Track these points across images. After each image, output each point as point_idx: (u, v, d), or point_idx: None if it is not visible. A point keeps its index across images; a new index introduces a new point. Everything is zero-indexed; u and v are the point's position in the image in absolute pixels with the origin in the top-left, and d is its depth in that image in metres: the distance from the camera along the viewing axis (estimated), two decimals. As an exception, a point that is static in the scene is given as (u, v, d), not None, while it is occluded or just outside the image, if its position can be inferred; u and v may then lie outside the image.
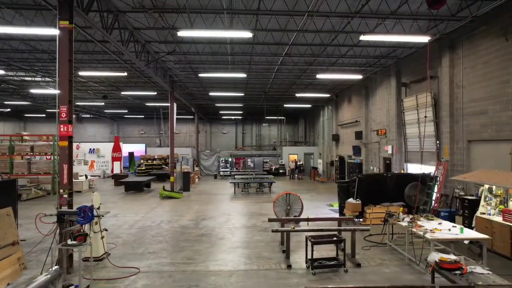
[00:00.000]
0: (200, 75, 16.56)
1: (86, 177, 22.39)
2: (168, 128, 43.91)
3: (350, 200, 12.05)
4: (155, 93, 22.61)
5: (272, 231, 8.00)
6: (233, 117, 41.01)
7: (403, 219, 8.64)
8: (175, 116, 20.30)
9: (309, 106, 29.57)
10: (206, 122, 43.28)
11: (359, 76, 17.46)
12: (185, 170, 21.22)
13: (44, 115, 39.38)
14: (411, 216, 8.88)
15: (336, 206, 15.38)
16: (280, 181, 26.99)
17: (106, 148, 30.45)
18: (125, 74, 16.40)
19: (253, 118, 42.70)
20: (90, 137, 42.71)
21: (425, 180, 12.23)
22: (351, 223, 11.09)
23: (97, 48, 14.10)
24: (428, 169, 13.42)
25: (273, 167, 31.58)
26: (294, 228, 7.94)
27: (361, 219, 12.24)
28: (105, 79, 20.10)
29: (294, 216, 12.33)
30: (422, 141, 14.13)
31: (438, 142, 13.03)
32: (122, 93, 22.93)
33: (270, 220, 8.73)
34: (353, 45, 13.75)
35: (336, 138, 25.82)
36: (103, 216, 8.50)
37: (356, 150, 21.61)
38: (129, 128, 43.73)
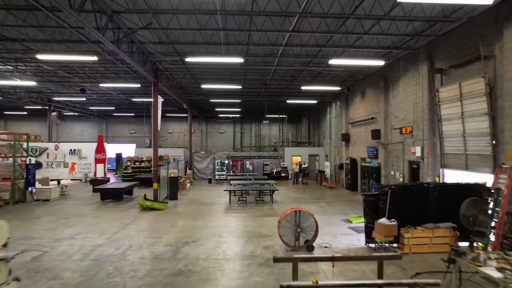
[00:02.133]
0: (187, 59, 13.46)
1: (59, 182, 19.31)
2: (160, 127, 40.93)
3: (383, 220, 8.94)
4: (139, 85, 19.52)
5: (281, 287, 4.89)
6: (230, 116, 37.93)
7: (484, 261, 5.55)
8: (159, 112, 17.22)
9: (315, 102, 26.51)
10: (201, 121, 40.17)
11: (380, 62, 14.38)
12: (172, 175, 18.11)
13: (25, 113, 36.30)
14: (490, 253, 5.80)
15: (355, 222, 12.31)
16: (283, 186, 23.87)
17: (89, 149, 27.31)
18: (95, 58, 13.28)
19: (252, 117, 39.59)
20: (77, 136, 39.64)
21: (480, 193, 9.15)
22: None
23: (52, 22, 10.99)
24: (479, 177, 10.32)
25: (275, 170, 28.49)
26: (316, 283, 4.85)
27: (395, 244, 9.17)
28: (75, 66, 16.98)
29: (306, 241, 9.24)
30: (468, 141, 11.07)
31: (494, 141, 9.93)
32: (101, 85, 19.84)
33: (276, 260, 5.68)
34: (381, 16, 10.64)
35: (346, 138, 22.74)
36: (9, 259, 5.36)
37: (372, 152, 18.52)
38: (119, 127, 40.64)
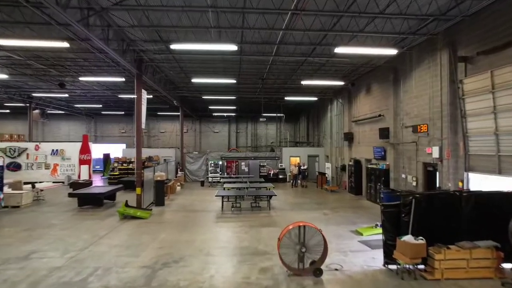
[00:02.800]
0: (173, 46, 11.68)
1: (33, 186, 17.43)
2: (149, 126, 39.08)
3: (408, 238, 7.22)
4: (123, 79, 17.69)
5: None
6: (225, 114, 36.16)
7: None
8: (144, 108, 15.44)
9: (315, 99, 24.80)
10: (195, 120, 38.40)
11: (392, 51, 12.67)
12: (159, 178, 16.31)
13: (8, 111, 34.30)
14: None
15: (367, 235, 10.62)
16: (281, 189, 22.14)
17: (73, 149, 25.45)
18: (66, 45, 11.44)
19: (248, 115, 37.87)
20: (64, 136, 37.69)
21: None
22: None
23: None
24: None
25: (272, 172, 26.75)
26: None
27: (422, 266, 7.45)
28: (49, 56, 15.15)
29: (312, 263, 7.51)
30: (502, 140, 9.41)
31: (538, 141, 8.27)
32: (80, 78, 17.98)
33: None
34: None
35: (349, 137, 21.04)
36: None
37: (379, 153, 16.83)
38: (108, 126, 38.75)
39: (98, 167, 31.63)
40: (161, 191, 16.28)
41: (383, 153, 16.58)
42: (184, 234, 10.89)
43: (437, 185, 12.36)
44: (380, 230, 10.80)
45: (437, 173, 12.49)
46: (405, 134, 14.74)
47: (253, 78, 19.58)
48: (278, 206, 15.77)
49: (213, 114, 35.62)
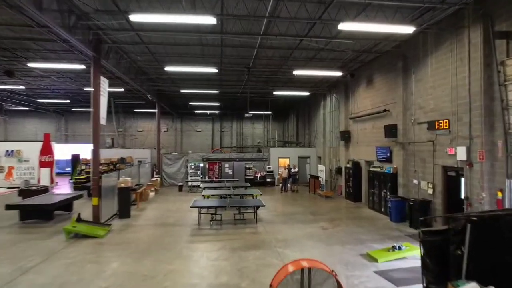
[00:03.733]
0: (132, 17, 8.99)
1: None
2: (126, 124, 35.94)
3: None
4: (83, 66, 14.78)
5: None
6: (208, 112, 33.37)
7: None
8: (103, 100, 12.64)
9: (306, 94, 22.32)
10: (176, 118, 35.49)
11: (408, 29, 10.21)
12: (123, 185, 13.52)
13: (-36, 107, 30.68)
14: None
15: (383, 261, 8.22)
16: (269, 195, 19.60)
17: (32, 150, 22.27)
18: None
19: (233, 113, 35.23)
20: (30, 135, 34.08)
21: None
22: None
23: None
24: None
25: (258, 175, 24.18)
26: None
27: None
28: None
29: (323, 323, 4.96)
30: None
31: None
32: (29, 64, 14.96)
33: None
34: None
35: (346, 136, 18.66)
36: None
37: (384, 154, 14.48)
38: (81, 124, 35.33)
39: (69, 169, 28.49)
40: (126, 201, 13.50)
41: (388, 154, 14.21)
42: (144, 263, 8.19)
43: (463, 195, 10.03)
44: (399, 254, 8.40)
45: (463, 179, 10.16)
46: (417, 132, 12.39)
47: (238, 68, 16.95)
48: (266, 218, 13.20)
49: (195, 111, 32.78)
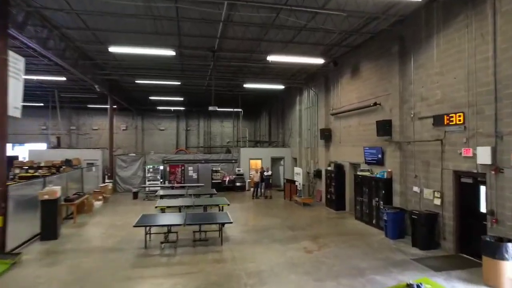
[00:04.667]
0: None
1: None
2: (79, 121, 31.81)
3: None
4: None
5: None
6: (172, 108, 30.17)
7: None
8: (13, 82, 9.41)
9: (281, 88, 19.83)
10: (136, 115, 32.02)
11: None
12: (47, 197, 10.36)
13: None
14: None
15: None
16: (239, 201, 16.98)
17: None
18: None
19: (199, 110, 32.24)
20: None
21: None
22: None
23: None
24: None
25: (227, 179, 21.45)
26: None
27: None
28: None
29: None
30: None
31: None
32: None
33: None
34: None
35: (326, 135, 16.38)
36: None
37: (374, 155, 12.25)
38: (27, 121, 30.88)
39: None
40: (52, 217, 10.33)
41: (380, 155, 11.99)
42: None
43: (485, 208, 7.86)
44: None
45: (483, 188, 8.00)
46: (419, 128, 10.19)
47: (201, 53, 14.18)
48: (234, 236, 10.52)
49: (157, 108, 29.49)
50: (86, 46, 13.75)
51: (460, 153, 8.51)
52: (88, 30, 11.79)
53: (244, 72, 18.31)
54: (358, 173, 13.02)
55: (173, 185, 18.64)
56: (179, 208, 12.24)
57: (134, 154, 23.35)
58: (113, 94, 21.08)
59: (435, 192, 9.41)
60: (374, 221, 11.74)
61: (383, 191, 11.32)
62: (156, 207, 11.86)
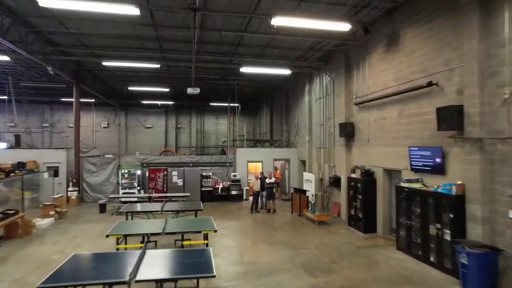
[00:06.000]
0: None
1: None
2: (53, 118, 27.46)
3: None
4: None
5: None
6: (159, 102, 26.21)
7: None
8: None
9: (286, 74, 15.92)
10: (119, 111, 28.12)
11: None
12: None
13: None
14: None
15: None
16: (232, 217, 13.12)
17: None
18: None
19: (191, 105, 28.44)
20: None
21: None
22: None
23: None
24: None
25: (220, 185, 17.51)
26: None
27: None
28: None
29: None
30: None
31: None
32: None
33: None
34: None
35: (348, 131, 12.47)
36: None
37: (429, 159, 8.34)
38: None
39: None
40: None
41: (438, 159, 8.07)
42: None
43: None
44: None
45: None
46: (521, 116, 6.28)
47: (178, 13, 10.24)
48: (223, 279, 6.61)
49: (142, 102, 25.51)
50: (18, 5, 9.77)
51: None
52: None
53: (239, 53, 14.44)
54: (403, 184, 9.06)
55: (151, 195, 14.67)
56: (144, 238, 8.34)
57: (111, 156, 19.33)
58: (81, 83, 17.16)
59: None
60: (433, 258, 7.83)
61: (451, 215, 7.38)
62: (107, 235, 7.89)
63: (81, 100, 24.49)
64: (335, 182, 13.52)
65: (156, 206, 11.20)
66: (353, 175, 11.85)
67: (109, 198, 14.59)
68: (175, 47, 13.56)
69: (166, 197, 14.68)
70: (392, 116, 10.19)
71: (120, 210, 11.19)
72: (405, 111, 9.61)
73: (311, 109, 16.62)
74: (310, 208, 13.08)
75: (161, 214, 10.88)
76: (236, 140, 22.28)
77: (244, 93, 23.88)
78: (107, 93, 22.64)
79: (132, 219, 10.62)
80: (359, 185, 11.30)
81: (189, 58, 14.05)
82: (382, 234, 10.58)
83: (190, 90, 11.02)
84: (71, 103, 25.68)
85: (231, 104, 22.69)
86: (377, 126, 11.01)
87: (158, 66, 14.67)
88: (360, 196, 11.22)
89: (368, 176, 11.12)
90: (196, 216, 10.91)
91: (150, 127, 28.75)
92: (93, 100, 24.85)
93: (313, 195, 13.32)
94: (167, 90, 20.55)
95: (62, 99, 25.18)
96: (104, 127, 28.21)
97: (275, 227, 11.99)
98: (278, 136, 22.58)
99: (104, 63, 14.04)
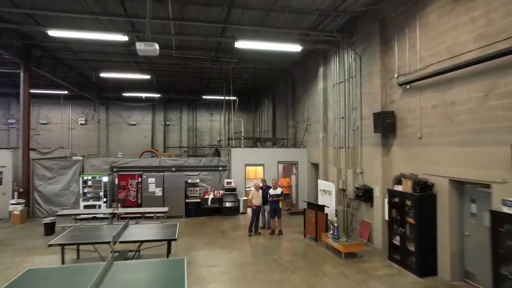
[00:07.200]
0: None
1: None
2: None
3: None
4: None
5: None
6: (143, 95, 22.48)
7: None
8: None
9: (297, 50, 12.08)
10: (98, 105, 24.44)
11: None
12: None
13: None
14: None
15: None
16: (223, 243, 9.34)
17: None
18: None
19: (182, 99, 24.77)
20: None
21: None
22: None
23: None
24: None
25: (210, 196, 13.79)
26: None
27: None
28: None
29: None
30: None
31: None
32: None
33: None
34: None
35: (387, 124, 8.75)
36: None
37: None
38: None
39: None
40: None
41: None
42: None
43: None
44: None
45: None
46: None
47: None
48: None
49: (123, 95, 21.74)
50: None
51: None
52: None
53: (234, 20, 10.75)
54: (507, 210, 5.32)
55: (115, 210, 10.86)
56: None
57: (80, 157, 15.52)
58: (33, 65, 13.49)
59: None
60: None
61: None
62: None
63: (52, 92, 21.14)
64: (365, 194, 9.81)
65: (110, 231, 7.49)
66: (397, 188, 8.13)
67: (57, 215, 10.77)
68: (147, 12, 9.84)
69: (137, 213, 11.03)
70: (470, 98, 6.48)
71: (50, 243, 7.38)
72: (497, 88, 5.90)
73: (327, 99, 12.95)
74: (331, 232, 9.32)
75: (118, 245, 7.22)
76: (232, 139, 18.52)
77: (242, 85, 20.27)
78: (79, 83, 18.98)
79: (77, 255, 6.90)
80: (409, 203, 7.59)
81: (167, 23, 10.35)
82: (450, 280, 6.87)
83: (140, 46, 6.95)
84: (41, 95, 22.33)
85: (227, 98, 18.96)
86: (438, 115, 7.30)
87: (126, 38, 10.91)
88: (411, 220, 7.50)
89: (424, 190, 7.39)
90: (169, 248, 7.26)
91: (134, 124, 25.05)
92: (65, 92, 21.13)
93: (335, 213, 9.59)
94: (148, 77, 16.78)
95: (31, 91, 21.44)
96: (81, 123, 24.54)
97: (284, 262, 8.25)
98: (283, 134, 18.84)
99: (50, 33, 10.30)
